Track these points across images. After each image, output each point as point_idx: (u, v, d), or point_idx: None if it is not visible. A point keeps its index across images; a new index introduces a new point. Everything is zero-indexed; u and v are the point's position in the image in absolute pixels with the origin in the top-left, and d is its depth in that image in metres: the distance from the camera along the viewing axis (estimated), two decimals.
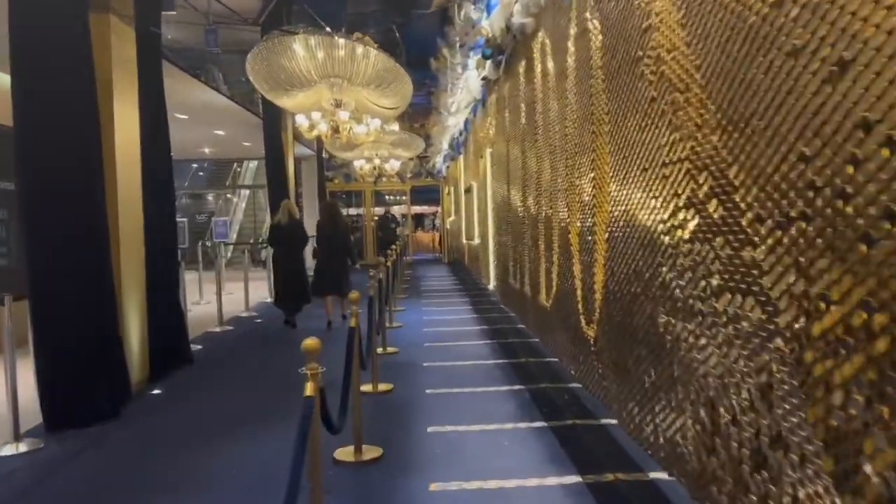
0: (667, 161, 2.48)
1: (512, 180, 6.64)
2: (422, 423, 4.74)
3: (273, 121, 12.36)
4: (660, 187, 2.57)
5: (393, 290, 10.12)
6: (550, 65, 4.45)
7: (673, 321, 2.46)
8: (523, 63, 5.73)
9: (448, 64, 8.75)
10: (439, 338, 7.99)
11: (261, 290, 12.75)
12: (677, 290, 2.43)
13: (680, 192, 2.38)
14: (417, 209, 31.23)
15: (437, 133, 14.96)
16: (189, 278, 14.29)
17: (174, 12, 11.44)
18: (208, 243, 21.83)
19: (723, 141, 2.06)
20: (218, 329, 9.05)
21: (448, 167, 17.70)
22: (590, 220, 3.56)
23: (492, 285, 8.49)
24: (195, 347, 7.72)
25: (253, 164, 23.40)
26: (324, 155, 19.09)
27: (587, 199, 3.60)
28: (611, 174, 3.17)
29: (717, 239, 2.11)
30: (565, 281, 4.20)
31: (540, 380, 5.80)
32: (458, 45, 7.98)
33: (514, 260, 6.71)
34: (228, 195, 24.78)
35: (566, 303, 4.17)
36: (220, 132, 13.88)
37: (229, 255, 19.45)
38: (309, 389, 2.56)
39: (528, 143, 5.67)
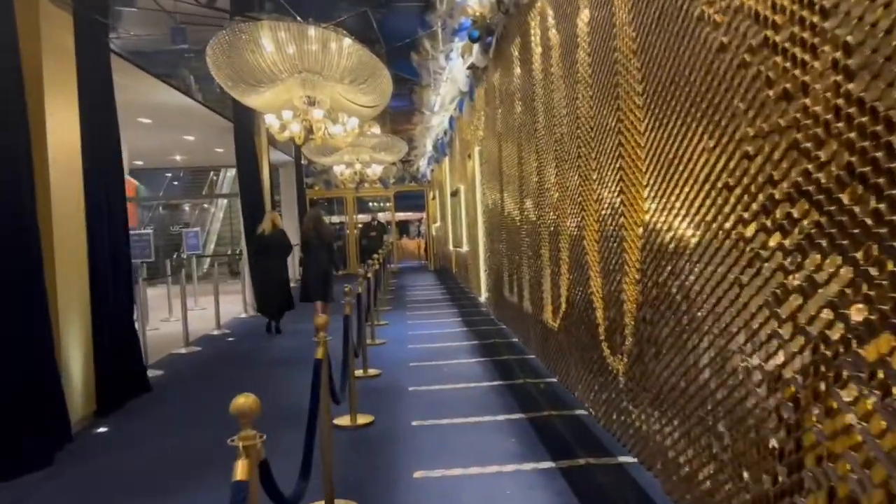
0: (749, 142, 1.78)
1: (506, 182, 5.91)
2: (407, 466, 4.02)
3: (245, 124, 11.59)
4: (735, 180, 1.87)
5: (375, 304, 9.40)
6: (554, 37, 3.74)
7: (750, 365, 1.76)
8: (517, 42, 5.00)
9: (430, 56, 8.05)
10: (426, 356, 7.26)
11: (235, 304, 11.97)
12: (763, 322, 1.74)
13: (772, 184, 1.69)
14: (402, 216, 30.54)
15: (421, 135, 14.25)
16: (157, 293, 13.50)
17: (135, 9, 10.67)
18: (184, 255, 21.01)
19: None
20: (184, 350, 8.27)
21: (432, 170, 16.97)
22: (614, 226, 2.86)
23: (483, 297, 7.73)
24: (155, 373, 6.95)
25: (231, 173, 22.55)
26: (303, 161, 18.33)
27: (611, 200, 2.88)
28: (648, 167, 2.47)
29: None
30: (578, 299, 3.49)
31: (542, 406, 5.10)
32: (440, 30, 7.28)
33: (509, 271, 5.99)
34: (205, 205, 23.93)
35: (581, 326, 3.46)
36: (190, 138, 13.08)
37: (206, 267, 18.60)
38: (240, 471, 1.82)
39: (525, 139, 4.96)
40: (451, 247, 12.49)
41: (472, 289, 8.90)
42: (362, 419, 4.95)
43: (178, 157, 16.11)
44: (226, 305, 12.06)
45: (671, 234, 2.28)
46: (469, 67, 6.63)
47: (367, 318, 7.35)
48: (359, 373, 6.36)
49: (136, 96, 9.54)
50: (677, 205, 2.22)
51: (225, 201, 23.36)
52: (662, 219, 2.35)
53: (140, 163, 17.03)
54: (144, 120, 10.78)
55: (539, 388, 5.63)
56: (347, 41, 7.14)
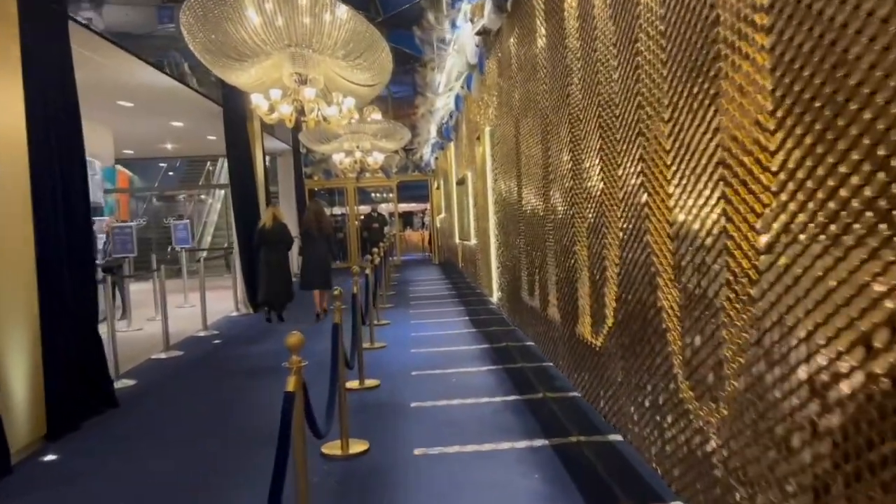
0: None
1: (526, 167, 5.05)
2: None
3: (235, 108, 10.79)
4: None
5: (375, 303, 8.62)
6: None
7: None
8: None
9: (434, 26, 7.22)
10: (431, 362, 6.48)
11: (225, 301, 11.19)
12: None
13: None
14: (405, 206, 29.73)
15: (424, 120, 13.42)
16: (143, 289, 12.71)
17: None
18: (177, 248, 20.25)
19: None
20: (164, 355, 7.50)
21: (437, 158, 16.11)
22: (705, 226, 2.03)
23: (495, 297, 6.86)
24: (126, 384, 6.19)
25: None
26: (301, 149, 17.53)
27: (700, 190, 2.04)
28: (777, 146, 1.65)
29: None
30: (636, 314, 2.67)
31: (568, 429, 4.31)
32: None
33: (529, 270, 5.13)
34: (202, 196, 23.15)
35: (641, 350, 2.64)
36: (178, 124, 12.26)
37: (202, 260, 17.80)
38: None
39: (554, 113, 4.11)
40: (456, 240, 11.63)
41: (481, 286, 8.03)
42: (355, 446, 4.17)
43: (168, 146, 15.29)
44: (217, 303, 11.33)
45: (809, 235, 1.48)
46: (479, 33, 5.79)
47: (366, 321, 6.57)
48: (354, 384, 5.60)
49: (115, 77, 8.74)
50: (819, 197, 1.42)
51: (222, 192, 22.56)
52: (795, 218, 1.54)
53: (130, 152, 16.24)
54: (125, 103, 9.97)
55: (562, 406, 4.84)
56: (343, 7, 6.32)
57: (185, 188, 23.16)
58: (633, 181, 2.66)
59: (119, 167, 19.62)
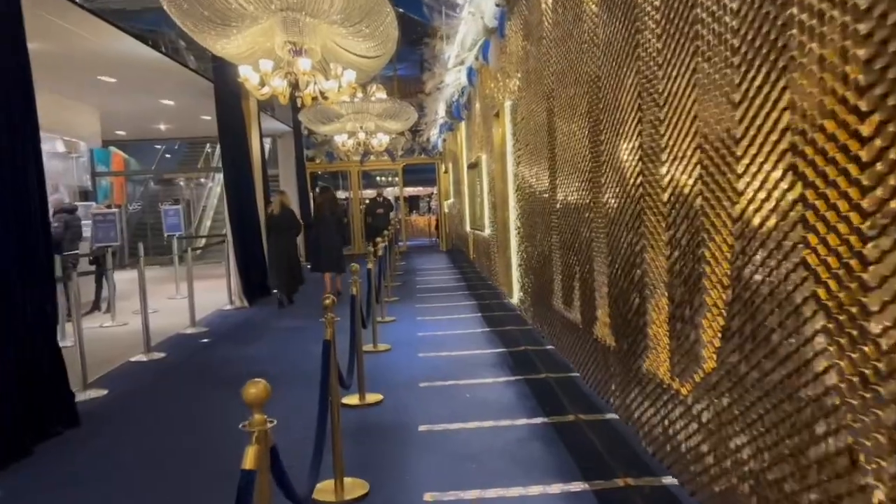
0: None
1: (562, 151, 4.22)
2: None
3: (228, 84, 9.92)
4: None
5: (378, 299, 7.87)
6: None
7: None
8: None
9: None
10: (441, 370, 5.72)
11: (220, 292, 10.43)
12: None
13: None
14: (411, 190, 28.90)
15: (432, 99, 12.57)
16: (127, 278, 11.89)
17: None
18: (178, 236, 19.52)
19: None
20: (144, 357, 6.77)
21: (445, 140, 15.23)
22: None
23: (515, 297, 5.97)
24: (95, 394, 5.46)
25: None
26: (303, 131, 16.70)
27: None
28: None
29: None
30: (757, 359, 1.86)
31: (612, 468, 3.54)
32: None
33: (566, 275, 4.30)
34: (202, 179, 22.37)
35: (778, 413, 1.83)
36: (169, 102, 11.44)
37: (189, 251, 17.07)
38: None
39: (607, 86, 3.30)
40: (467, 228, 10.79)
41: (497, 283, 7.14)
42: (352, 489, 3.42)
43: (162, 127, 14.49)
44: (211, 294, 10.59)
45: None
46: None
47: (367, 324, 5.80)
48: (353, 400, 4.84)
49: (96, 49, 7.93)
50: None
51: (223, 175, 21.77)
52: None
53: (122, 133, 15.44)
54: (107, 78, 9.16)
55: (600, 433, 4.07)
56: None
57: (182, 171, 22.38)
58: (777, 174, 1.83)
59: (114, 149, 18.85)
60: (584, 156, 3.74)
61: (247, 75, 6.64)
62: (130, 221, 18.95)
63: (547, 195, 4.60)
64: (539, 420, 4.33)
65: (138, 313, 9.76)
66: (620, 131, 3.09)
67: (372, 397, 4.95)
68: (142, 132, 15.40)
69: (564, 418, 4.34)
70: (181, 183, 21.69)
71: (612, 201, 3.23)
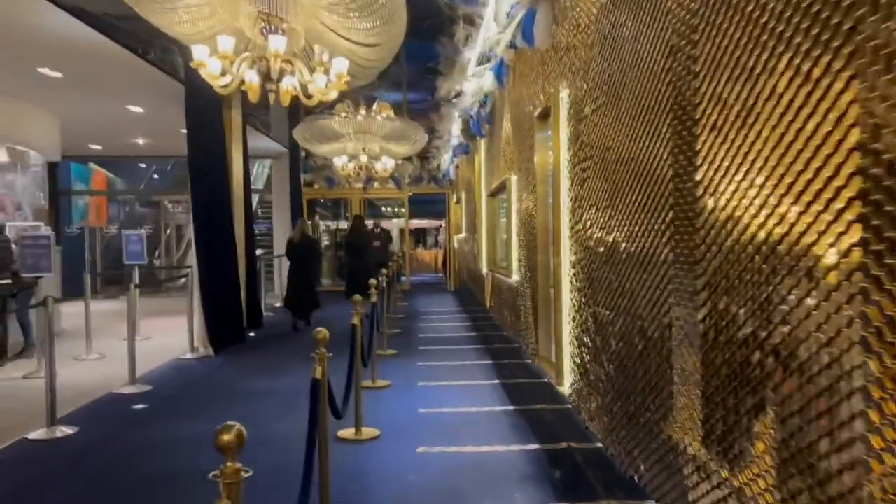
0: None
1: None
2: None
3: (203, 86, 8.30)
4: None
5: (370, 354, 6.10)
6: None
7: None
8: None
9: None
10: (451, 483, 3.91)
11: (178, 335, 8.63)
12: None
13: None
14: (417, 223, 27.28)
15: (446, 118, 10.92)
16: (73, 312, 10.04)
17: None
18: (156, 262, 17.84)
19: None
20: (44, 434, 4.97)
21: (457, 167, 13.53)
22: None
23: (566, 386, 3.80)
24: None
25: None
26: (301, 152, 15.09)
27: None
28: None
29: None
30: None
31: None
32: None
33: (712, 391, 2.38)
34: (188, 200, 20.70)
35: None
36: (137, 109, 9.80)
37: (134, 287, 15.35)
38: None
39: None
40: (483, 269, 8.95)
41: (535, 359, 5.11)
42: None
43: (140, 141, 12.87)
44: (174, 338, 8.84)
45: None
46: None
47: (343, 412, 3.99)
48: None
49: (35, 34, 6.32)
50: None
51: None
52: None
53: (97, 147, 13.84)
54: (49, 72, 7.53)
55: None
56: None
57: (171, 192, 20.72)
58: None
59: (95, 166, 17.27)
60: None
61: (201, 59, 4.99)
62: (111, 246, 17.22)
63: (630, 243, 2.81)
64: None
65: (80, 359, 8.07)
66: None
67: None
68: (119, 147, 13.79)
69: None
70: (168, 206, 20.04)
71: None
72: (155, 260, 17.71)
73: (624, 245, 2.66)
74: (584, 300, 3.25)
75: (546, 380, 5.35)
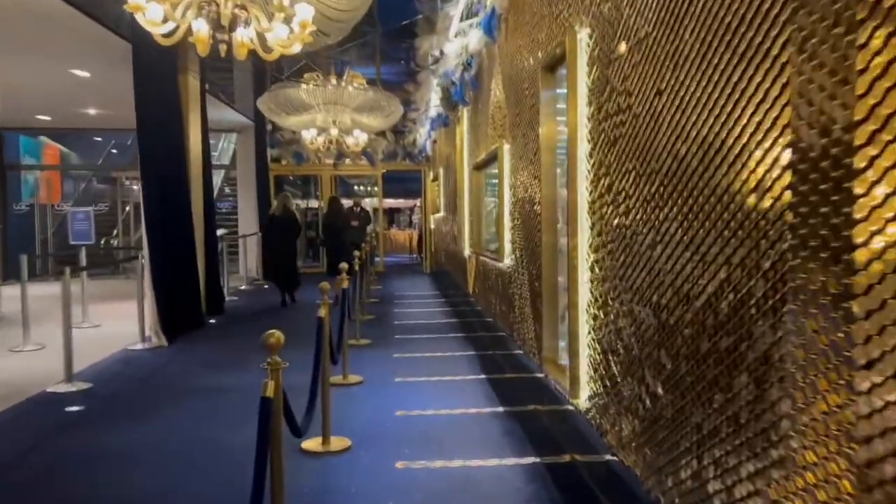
0: None
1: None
2: None
3: (153, 48, 7.39)
4: None
5: (341, 346, 5.40)
6: None
7: None
8: None
9: None
10: (439, 501, 3.25)
11: (131, 322, 7.81)
12: None
13: None
14: (391, 202, 26.46)
15: (423, 87, 10.16)
16: (42, 294, 9.04)
17: None
18: (113, 242, 16.84)
19: None
20: None
21: (435, 141, 12.78)
22: None
23: (583, 400, 3.01)
24: None
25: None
26: (267, 125, 14.21)
27: None
28: None
29: None
30: None
31: None
32: None
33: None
34: None
35: None
36: (83, 73, 8.86)
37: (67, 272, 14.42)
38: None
39: None
40: (465, 251, 8.24)
41: (533, 357, 4.38)
42: None
43: (91, 112, 11.88)
44: (125, 324, 8.03)
45: None
46: None
47: (313, 406, 3.29)
48: None
49: None
50: None
51: None
52: None
53: (46, 118, 12.81)
54: None
55: None
56: None
57: (129, 168, 19.63)
58: None
59: (46, 140, 16.17)
60: None
61: (139, 2, 4.16)
62: (63, 224, 16.16)
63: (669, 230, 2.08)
64: None
65: (16, 349, 7.24)
66: None
67: None
68: (70, 119, 12.78)
69: None
70: (128, 182, 18.95)
71: None
72: (112, 240, 16.71)
73: (685, 223, 1.96)
74: (612, 294, 2.57)
75: (538, 374, 4.73)
